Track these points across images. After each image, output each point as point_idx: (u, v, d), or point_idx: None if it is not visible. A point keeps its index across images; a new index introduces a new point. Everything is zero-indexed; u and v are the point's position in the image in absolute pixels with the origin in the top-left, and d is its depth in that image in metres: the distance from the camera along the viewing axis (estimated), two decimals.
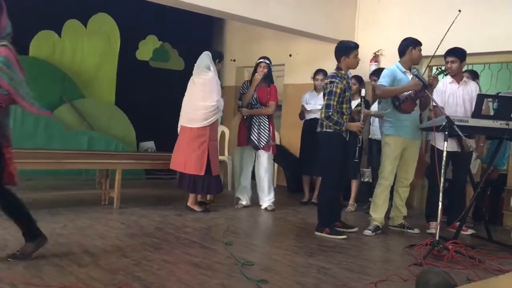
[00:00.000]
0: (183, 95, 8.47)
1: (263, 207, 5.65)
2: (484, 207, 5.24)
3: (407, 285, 3.09)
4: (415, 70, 4.49)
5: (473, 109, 4.76)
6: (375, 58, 6.70)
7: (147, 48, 8.24)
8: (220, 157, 7.14)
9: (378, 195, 4.64)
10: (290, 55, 7.79)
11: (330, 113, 4.33)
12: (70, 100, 7.18)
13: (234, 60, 8.97)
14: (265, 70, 5.68)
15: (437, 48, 4.61)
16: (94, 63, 7.64)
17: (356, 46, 4.58)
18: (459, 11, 4.17)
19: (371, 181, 6.06)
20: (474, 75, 5.26)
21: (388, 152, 4.59)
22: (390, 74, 4.57)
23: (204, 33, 8.91)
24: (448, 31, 4.25)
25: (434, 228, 4.81)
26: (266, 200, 5.67)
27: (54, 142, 6.70)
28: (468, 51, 4.88)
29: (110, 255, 3.41)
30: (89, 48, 7.57)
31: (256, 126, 5.60)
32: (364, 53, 6.88)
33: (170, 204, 5.65)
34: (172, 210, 5.25)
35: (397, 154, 4.59)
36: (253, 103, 5.68)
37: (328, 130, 4.41)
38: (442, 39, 4.49)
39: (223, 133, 7.46)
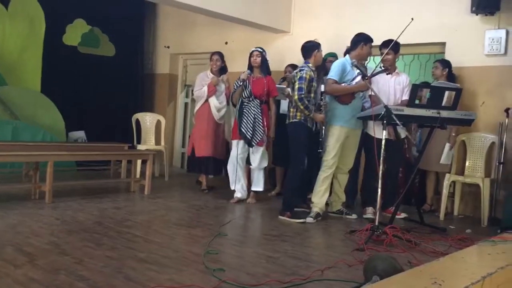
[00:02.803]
0: (115, 82, 8.23)
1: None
2: (414, 191, 5.53)
3: (352, 270, 3.19)
4: (354, 60, 4.60)
5: (402, 98, 5.05)
6: None
7: (75, 33, 7.82)
8: (156, 146, 7.02)
9: (321, 182, 4.73)
10: (226, 43, 7.71)
11: (302, 95, 4.66)
12: None
13: (168, 47, 8.75)
14: (258, 60, 5.41)
15: (387, 50, 4.79)
16: (17, 48, 7.15)
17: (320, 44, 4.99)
18: (412, 19, 4.32)
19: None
20: (445, 65, 5.37)
21: (332, 142, 4.69)
22: (341, 68, 4.64)
23: (137, 18, 8.65)
24: (400, 35, 4.41)
25: (371, 213, 5.06)
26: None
27: None
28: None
29: (48, 253, 3.22)
30: (11, 31, 7.07)
31: (251, 121, 5.34)
32: (300, 42, 6.92)
33: (107, 196, 5.44)
34: (110, 203, 5.06)
35: (340, 143, 4.71)
36: (245, 96, 5.39)
37: (294, 120, 4.75)
38: (393, 42, 4.68)
39: (158, 122, 7.28)
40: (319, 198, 4.75)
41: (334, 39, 6.14)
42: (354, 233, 4.16)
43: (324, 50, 6.46)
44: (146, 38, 8.91)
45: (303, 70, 4.75)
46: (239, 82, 5.44)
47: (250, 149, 5.46)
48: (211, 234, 4.00)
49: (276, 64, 6.98)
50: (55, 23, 7.47)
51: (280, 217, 4.75)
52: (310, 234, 4.27)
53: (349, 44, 4.92)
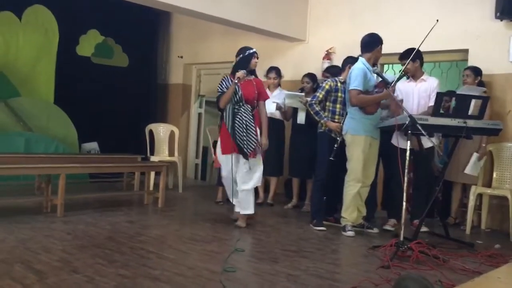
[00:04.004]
0: (128, 92, 8.16)
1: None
2: (437, 203, 5.31)
3: None
4: (376, 68, 4.44)
5: (428, 105, 4.84)
6: (328, 55, 6.65)
7: (89, 43, 7.78)
8: (170, 158, 6.89)
9: (353, 198, 4.55)
10: None
11: (313, 102, 4.93)
12: (4, 98, 6.63)
13: (181, 57, 8.66)
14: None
15: (412, 56, 4.53)
16: (31, 59, 7.11)
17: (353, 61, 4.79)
18: (437, 20, 4.12)
19: None
20: (477, 72, 5.16)
21: (358, 153, 4.50)
22: (362, 75, 4.45)
23: (150, 28, 8.59)
24: (423, 41, 4.20)
25: (390, 225, 4.90)
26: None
27: None
28: None
29: (58, 271, 3.07)
30: (25, 42, 7.03)
31: (244, 130, 4.61)
32: (316, 51, 6.86)
33: (119, 209, 5.31)
34: (122, 217, 4.92)
35: (366, 154, 4.52)
36: (235, 101, 4.65)
37: (320, 130, 4.95)
38: (418, 48, 4.45)
39: (172, 133, 7.16)
40: (349, 213, 4.60)
41: (351, 47, 5.95)
42: (377, 248, 3.97)
43: (341, 58, 6.36)
44: (160, 48, 8.85)
45: (325, 81, 5.05)
46: (227, 83, 4.70)
47: (244, 164, 4.67)
48: (227, 250, 3.83)
49: (292, 73, 6.86)
50: (68, 33, 7.43)
51: (311, 225, 4.90)
52: (331, 250, 4.07)
53: None
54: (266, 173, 6.10)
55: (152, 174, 6.15)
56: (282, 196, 6.58)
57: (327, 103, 4.94)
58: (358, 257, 3.92)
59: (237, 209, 4.90)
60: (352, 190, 4.54)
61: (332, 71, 5.60)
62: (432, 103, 4.70)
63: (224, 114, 4.73)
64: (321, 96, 4.92)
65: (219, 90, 4.75)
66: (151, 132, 7.07)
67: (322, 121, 4.86)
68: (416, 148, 4.66)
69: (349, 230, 4.58)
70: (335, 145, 4.71)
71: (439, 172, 4.80)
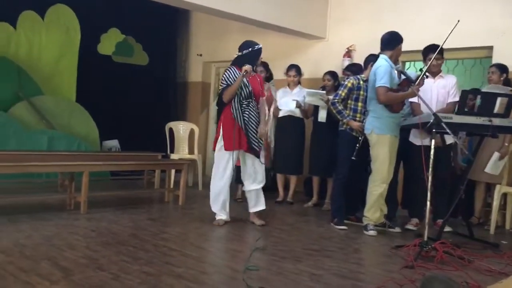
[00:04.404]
0: (148, 90, 8.23)
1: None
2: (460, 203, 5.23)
3: None
4: (399, 66, 4.39)
5: (447, 101, 4.78)
6: (348, 53, 6.61)
7: (110, 42, 7.87)
8: (190, 156, 6.92)
9: (377, 198, 4.50)
10: None
11: (335, 100, 4.86)
12: (27, 96, 6.73)
13: (201, 55, 8.69)
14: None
15: (435, 54, 4.40)
16: (53, 57, 7.21)
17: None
18: (458, 21, 4.05)
19: None
20: (503, 70, 5.07)
21: (384, 153, 4.43)
22: (388, 72, 4.38)
23: (169, 27, 8.63)
24: (445, 41, 4.12)
25: (413, 224, 4.84)
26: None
27: (10, 142, 6.24)
28: None
29: (84, 268, 3.11)
30: (47, 41, 7.14)
31: (254, 129, 4.54)
32: (336, 48, 6.82)
33: (141, 207, 5.35)
34: (145, 214, 4.96)
35: (392, 153, 4.47)
36: (244, 97, 4.51)
37: (341, 128, 4.89)
38: (441, 46, 4.32)
39: (192, 131, 7.19)
40: (372, 213, 4.55)
41: (371, 44, 5.91)
42: (400, 248, 3.93)
43: (361, 56, 6.32)
44: (179, 47, 8.89)
45: (348, 78, 4.99)
46: (234, 76, 4.47)
47: (253, 163, 4.63)
48: (248, 248, 3.83)
49: (311, 71, 6.82)
50: (90, 32, 7.52)
51: (331, 223, 4.88)
52: (353, 249, 4.04)
53: None
54: (286, 171, 6.13)
55: (173, 172, 6.19)
56: (301, 194, 6.56)
57: (349, 101, 4.90)
58: (381, 256, 3.88)
59: (224, 217, 4.66)
60: (377, 190, 4.49)
61: (353, 69, 5.57)
62: (451, 99, 4.68)
63: (232, 109, 4.50)
64: (343, 94, 4.88)
65: (225, 82, 4.49)
66: (171, 130, 7.10)
67: (344, 120, 4.82)
68: (438, 143, 4.60)
69: (371, 229, 4.54)
70: (357, 145, 4.66)
71: (461, 171, 4.74)
